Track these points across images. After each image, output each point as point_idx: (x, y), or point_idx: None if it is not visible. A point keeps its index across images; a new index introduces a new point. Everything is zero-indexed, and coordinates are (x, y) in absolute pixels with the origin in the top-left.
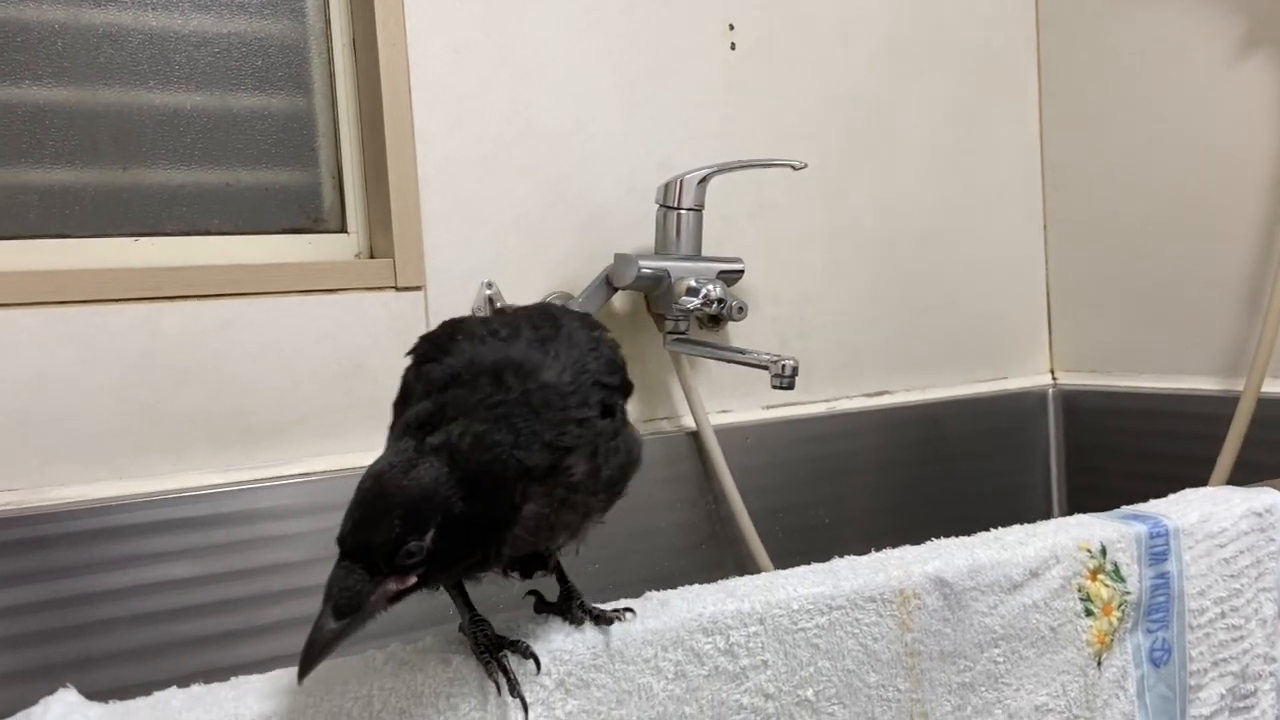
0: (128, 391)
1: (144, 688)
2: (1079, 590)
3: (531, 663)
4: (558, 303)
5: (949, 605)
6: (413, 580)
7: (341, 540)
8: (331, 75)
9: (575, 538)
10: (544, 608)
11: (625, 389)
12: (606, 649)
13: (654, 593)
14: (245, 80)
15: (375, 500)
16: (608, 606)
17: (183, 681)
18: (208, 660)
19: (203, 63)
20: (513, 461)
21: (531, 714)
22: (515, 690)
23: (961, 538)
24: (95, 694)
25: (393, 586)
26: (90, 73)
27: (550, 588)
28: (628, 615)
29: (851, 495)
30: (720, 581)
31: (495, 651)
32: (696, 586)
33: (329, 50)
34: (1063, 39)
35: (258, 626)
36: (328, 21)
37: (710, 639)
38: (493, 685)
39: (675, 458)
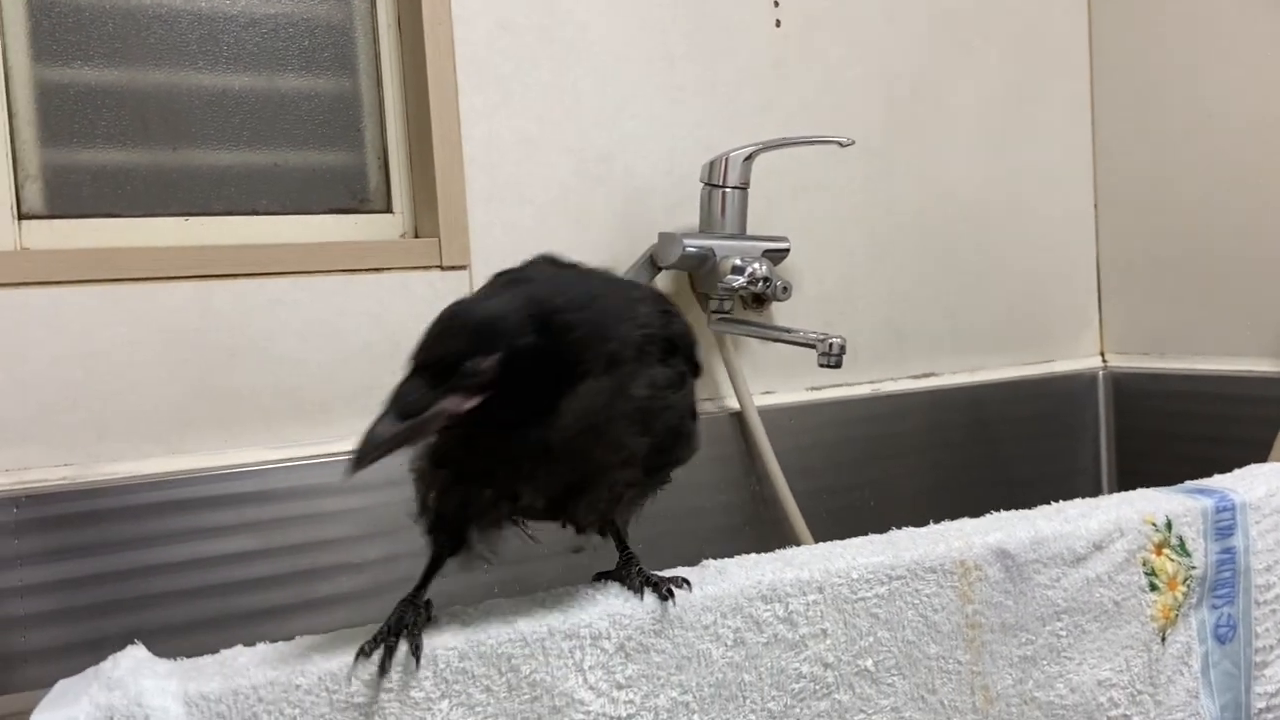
0: (179, 368)
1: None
2: (1143, 564)
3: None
4: None
5: (1010, 577)
6: (471, 403)
7: (414, 356)
8: (377, 55)
9: (605, 511)
10: (602, 575)
11: (692, 364)
12: (665, 615)
13: (711, 561)
14: (292, 61)
15: (449, 321)
16: (665, 574)
17: None
18: (259, 633)
19: (250, 44)
20: (583, 322)
21: (592, 677)
22: (383, 669)
23: (1023, 510)
24: None
25: (451, 403)
26: (141, 53)
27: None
28: (684, 586)
29: (897, 478)
30: (778, 551)
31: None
32: (754, 555)
33: (374, 30)
34: (1115, 15)
35: (309, 600)
36: (373, 2)
37: (769, 606)
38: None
39: (719, 439)
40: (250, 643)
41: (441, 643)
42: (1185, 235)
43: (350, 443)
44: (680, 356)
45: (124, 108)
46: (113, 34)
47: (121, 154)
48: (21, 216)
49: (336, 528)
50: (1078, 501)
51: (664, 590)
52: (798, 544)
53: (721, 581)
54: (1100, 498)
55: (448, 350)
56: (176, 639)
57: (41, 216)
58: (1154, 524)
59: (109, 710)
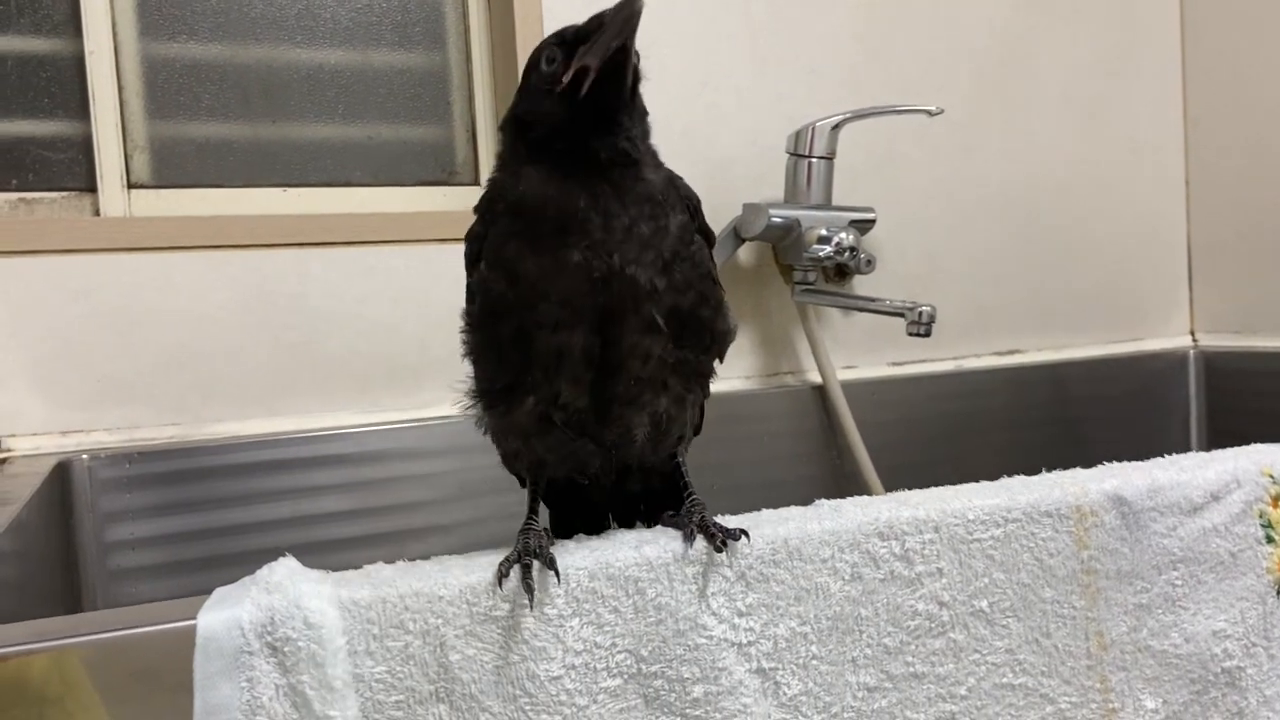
0: (280, 333)
1: None
2: (1260, 516)
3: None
4: None
5: (1127, 524)
6: (585, 69)
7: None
8: (466, 30)
9: (649, 404)
10: (668, 516)
11: (704, 230)
12: (785, 545)
13: (825, 500)
14: (385, 36)
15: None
16: (731, 521)
17: None
18: None
19: (345, 19)
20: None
21: (714, 603)
22: (528, 587)
23: (1137, 462)
24: None
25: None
26: (242, 29)
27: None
28: (743, 538)
29: (979, 455)
30: (891, 493)
31: (520, 559)
32: (866, 497)
33: (464, 5)
34: None
35: (401, 559)
36: None
37: (886, 544)
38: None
39: (801, 412)
40: None
41: (572, 563)
42: None
43: (442, 409)
44: (690, 215)
45: (226, 82)
46: (216, 10)
47: (224, 126)
48: (130, 186)
49: (428, 490)
50: (1192, 454)
51: (718, 541)
52: None
53: (838, 518)
54: (1216, 451)
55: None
56: None
57: (149, 186)
58: (1271, 476)
59: (270, 611)
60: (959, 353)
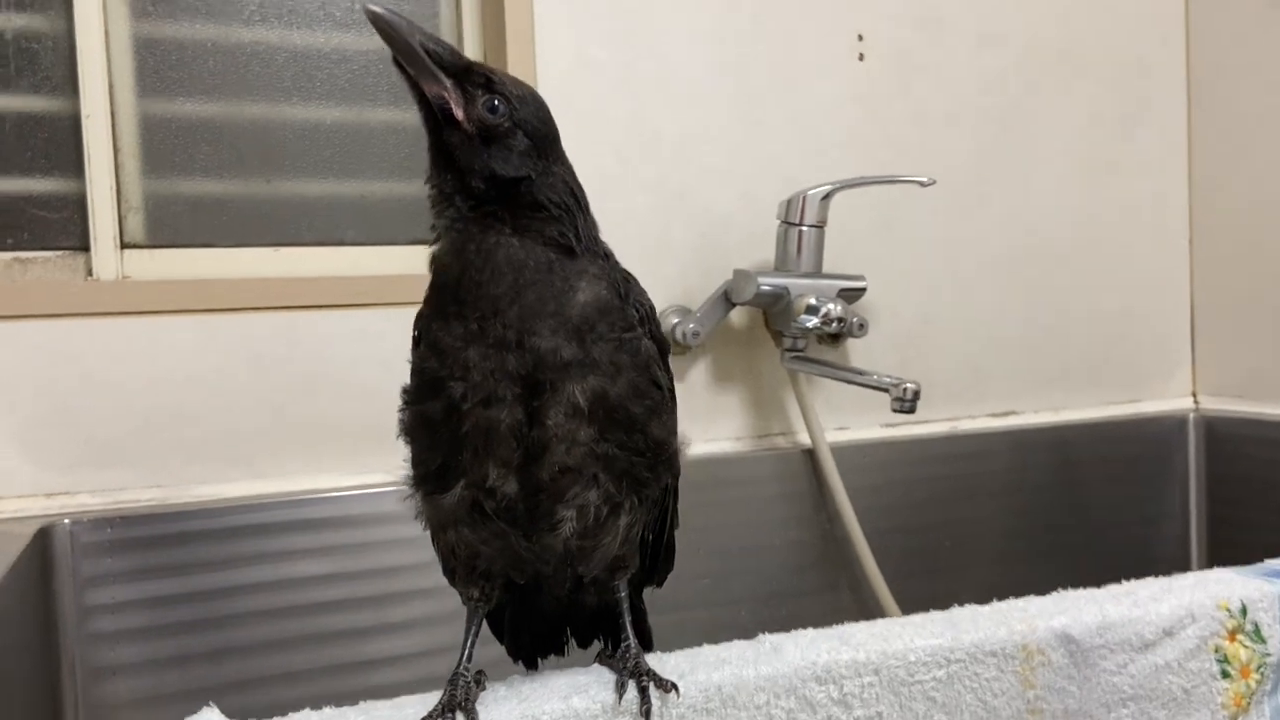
0: (267, 395)
1: (275, 679)
2: (1216, 651)
3: None
4: (674, 319)
5: (1075, 663)
6: (468, 113)
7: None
8: None
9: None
10: (603, 660)
11: (650, 332)
12: (719, 692)
13: (767, 636)
14: (380, 95)
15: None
16: (667, 674)
17: (312, 675)
18: (336, 655)
19: (341, 79)
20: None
21: None
22: None
23: (1091, 590)
24: (229, 684)
25: (459, 104)
26: (239, 88)
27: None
28: (672, 690)
29: (974, 519)
30: (835, 627)
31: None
32: (810, 631)
33: None
34: (1214, 47)
35: (384, 624)
36: (460, 38)
37: (824, 688)
38: None
39: (790, 475)
40: (327, 663)
41: (499, 716)
42: None
43: None
44: (634, 310)
45: (222, 140)
46: (213, 69)
47: (218, 185)
48: (124, 246)
49: (412, 554)
50: (1149, 582)
51: (646, 698)
52: (868, 584)
53: (776, 660)
54: (1173, 578)
55: (490, 81)
56: (255, 658)
57: (142, 246)
58: (1228, 609)
59: None
60: (954, 414)
